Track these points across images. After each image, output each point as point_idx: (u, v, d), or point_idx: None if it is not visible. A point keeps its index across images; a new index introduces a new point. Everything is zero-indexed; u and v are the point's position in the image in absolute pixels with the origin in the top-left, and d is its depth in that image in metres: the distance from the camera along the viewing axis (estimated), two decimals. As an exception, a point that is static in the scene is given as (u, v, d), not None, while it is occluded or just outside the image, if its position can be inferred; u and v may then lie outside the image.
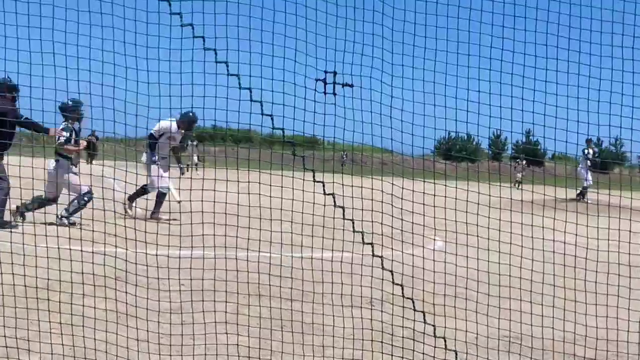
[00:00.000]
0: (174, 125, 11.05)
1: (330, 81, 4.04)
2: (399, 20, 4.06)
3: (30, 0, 3.62)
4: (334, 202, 3.96)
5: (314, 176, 3.88)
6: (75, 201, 9.59)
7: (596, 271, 4.06)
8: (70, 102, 9.28)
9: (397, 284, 4.03)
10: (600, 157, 18.07)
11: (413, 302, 4.03)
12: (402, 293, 4.02)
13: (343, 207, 3.95)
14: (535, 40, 4.06)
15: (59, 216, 9.33)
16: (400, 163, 4.57)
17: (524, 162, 24.95)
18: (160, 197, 10.91)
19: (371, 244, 3.97)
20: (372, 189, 4.15)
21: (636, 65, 4.26)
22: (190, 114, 10.81)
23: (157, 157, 10.90)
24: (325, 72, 4.01)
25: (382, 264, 4.02)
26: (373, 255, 3.98)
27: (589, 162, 18.10)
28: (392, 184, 4.18)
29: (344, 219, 3.94)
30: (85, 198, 9.48)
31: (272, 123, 3.81)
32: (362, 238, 3.95)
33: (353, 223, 3.93)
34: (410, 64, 4.14)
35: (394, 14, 4.08)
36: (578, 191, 17.19)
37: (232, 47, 3.68)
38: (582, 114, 4.09)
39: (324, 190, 4.00)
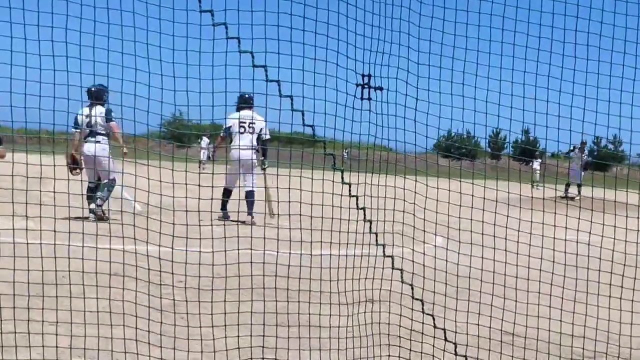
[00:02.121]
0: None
1: (367, 86, 3.71)
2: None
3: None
4: (361, 208, 3.74)
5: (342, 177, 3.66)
6: (106, 190, 9.29)
7: (597, 267, 4.00)
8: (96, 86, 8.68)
9: (407, 284, 3.88)
10: (597, 156, 18.32)
11: (422, 304, 3.92)
12: (412, 294, 3.89)
13: (364, 209, 3.75)
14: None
15: (96, 206, 9.04)
16: (402, 161, 4.35)
17: (539, 160, 24.90)
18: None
19: (383, 245, 3.81)
20: (387, 187, 3.96)
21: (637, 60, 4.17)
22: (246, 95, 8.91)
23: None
24: (363, 75, 3.67)
25: (392, 264, 3.86)
26: (384, 256, 3.83)
27: (577, 159, 18.28)
28: (406, 188, 4.00)
29: (364, 220, 3.72)
30: (114, 184, 9.24)
31: (314, 133, 3.45)
32: (377, 240, 3.78)
33: (370, 224, 3.73)
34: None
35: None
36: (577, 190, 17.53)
37: (270, 50, 3.27)
38: (579, 112, 3.98)
39: (353, 196, 3.73)
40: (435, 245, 4.15)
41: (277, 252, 3.80)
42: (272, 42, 3.22)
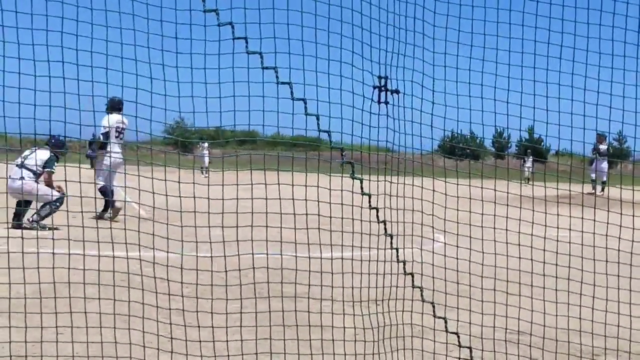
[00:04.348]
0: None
1: (383, 89, 3.47)
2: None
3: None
4: (373, 208, 3.51)
5: (355, 182, 3.44)
6: (47, 206, 9.18)
7: (597, 261, 3.74)
8: (60, 138, 8.87)
9: (417, 287, 3.69)
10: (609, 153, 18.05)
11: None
12: (421, 294, 3.71)
13: (377, 208, 3.50)
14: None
15: (30, 219, 9.02)
16: (401, 161, 4.15)
17: (530, 158, 24.97)
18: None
19: (397, 248, 3.61)
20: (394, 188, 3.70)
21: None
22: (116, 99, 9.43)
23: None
24: (380, 77, 3.43)
25: (404, 269, 3.65)
26: (398, 261, 3.63)
27: (598, 155, 17.92)
28: (417, 186, 3.75)
29: (378, 221, 3.51)
30: (57, 203, 9.10)
31: (330, 140, 3.20)
32: (391, 242, 3.59)
33: (385, 224, 3.54)
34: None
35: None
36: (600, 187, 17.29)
37: (280, 50, 3.03)
38: (585, 110, 3.76)
39: (371, 201, 3.50)
40: (437, 241, 3.95)
41: (281, 254, 3.60)
42: (282, 41, 2.99)
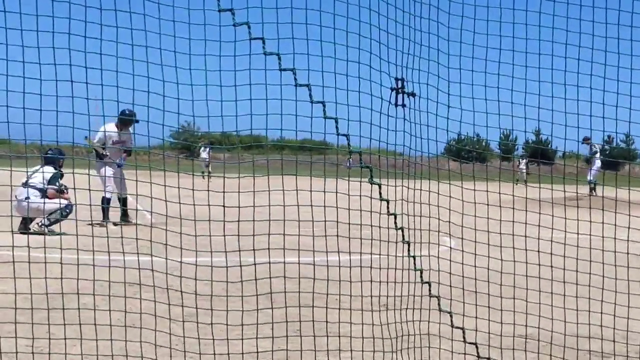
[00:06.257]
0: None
1: (400, 91, 3.34)
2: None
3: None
4: (391, 214, 3.39)
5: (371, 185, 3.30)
6: (57, 212, 9.27)
7: (606, 265, 3.65)
8: (55, 149, 9.41)
9: (434, 296, 3.57)
10: (607, 154, 17.88)
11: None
12: (439, 304, 3.58)
13: (395, 214, 3.39)
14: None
15: (39, 224, 9.06)
16: (411, 165, 4.05)
17: (525, 160, 25.03)
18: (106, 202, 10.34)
19: (414, 256, 3.51)
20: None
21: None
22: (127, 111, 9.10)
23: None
24: (397, 79, 3.30)
25: (421, 277, 3.54)
26: (415, 269, 3.52)
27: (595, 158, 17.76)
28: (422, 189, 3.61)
29: (396, 228, 3.41)
30: (67, 210, 9.22)
31: (348, 143, 3.06)
32: (409, 249, 3.48)
33: (403, 230, 3.42)
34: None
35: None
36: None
37: (299, 51, 2.89)
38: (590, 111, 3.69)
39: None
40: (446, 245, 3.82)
41: (299, 261, 3.41)
42: (300, 42, 2.85)
